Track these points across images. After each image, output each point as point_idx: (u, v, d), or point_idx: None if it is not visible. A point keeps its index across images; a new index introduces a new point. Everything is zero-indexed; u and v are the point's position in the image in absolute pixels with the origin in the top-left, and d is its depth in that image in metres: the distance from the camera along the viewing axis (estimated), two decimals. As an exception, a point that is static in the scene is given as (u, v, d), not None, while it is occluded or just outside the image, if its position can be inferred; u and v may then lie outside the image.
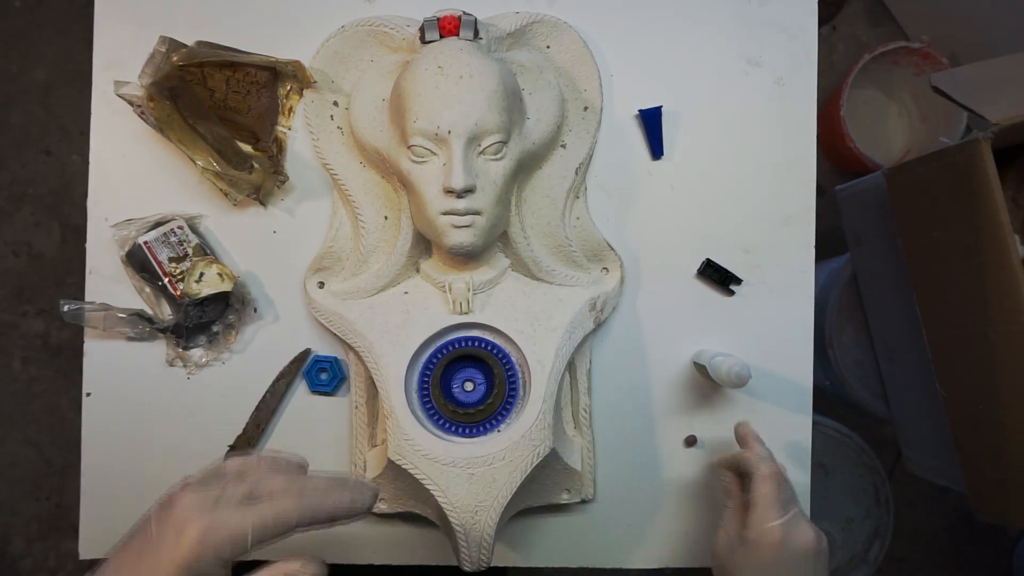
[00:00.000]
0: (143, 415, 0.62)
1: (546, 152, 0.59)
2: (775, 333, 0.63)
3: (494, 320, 0.57)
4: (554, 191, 0.60)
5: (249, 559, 0.39)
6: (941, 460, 0.96)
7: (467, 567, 0.52)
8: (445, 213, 0.52)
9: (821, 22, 0.71)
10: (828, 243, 0.77)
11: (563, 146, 0.60)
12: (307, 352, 0.62)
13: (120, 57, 0.62)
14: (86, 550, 0.62)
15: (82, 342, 0.62)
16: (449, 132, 0.51)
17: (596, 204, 0.63)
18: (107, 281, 0.62)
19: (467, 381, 0.58)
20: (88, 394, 0.62)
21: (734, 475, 0.55)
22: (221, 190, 0.61)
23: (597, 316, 0.60)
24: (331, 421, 0.62)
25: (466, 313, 0.57)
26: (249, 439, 0.62)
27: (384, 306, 0.58)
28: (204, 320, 0.60)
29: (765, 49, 0.64)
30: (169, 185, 0.62)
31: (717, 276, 0.63)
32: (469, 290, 0.57)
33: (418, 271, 0.59)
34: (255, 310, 0.62)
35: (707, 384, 0.63)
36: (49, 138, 1.37)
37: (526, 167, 0.58)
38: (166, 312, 0.61)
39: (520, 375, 0.57)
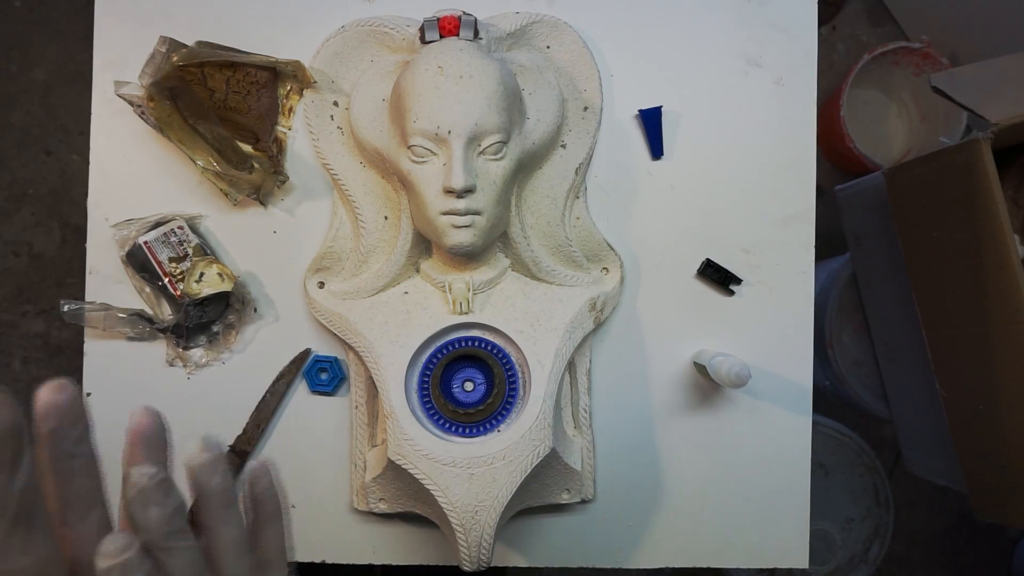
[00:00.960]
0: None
1: (546, 152, 0.59)
2: (775, 333, 0.63)
3: (494, 320, 0.57)
4: (554, 191, 0.60)
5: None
6: (941, 460, 0.96)
7: (467, 567, 0.52)
8: (445, 213, 0.52)
9: (821, 22, 0.70)
10: (828, 243, 0.77)
11: (563, 146, 0.60)
12: (307, 352, 0.62)
13: (120, 57, 0.62)
14: (86, 550, 0.62)
15: (82, 342, 0.62)
16: (449, 132, 0.51)
17: (596, 204, 0.63)
18: (107, 281, 0.62)
19: (467, 381, 0.58)
20: (88, 394, 0.62)
21: None
22: (221, 190, 0.61)
23: (597, 316, 0.60)
24: (331, 421, 0.62)
25: (466, 313, 0.57)
26: (249, 439, 0.62)
27: (384, 306, 0.58)
28: (204, 320, 0.60)
29: (765, 49, 0.64)
30: (169, 185, 0.62)
31: (717, 276, 0.63)
32: (469, 290, 0.57)
33: (418, 271, 0.59)
34: (255, 310, 0.62)
35: (707, 384, 0.63)
36: (49, 138, 1.37)
37: (526, 167, 0.58)
38: (166, 312, 0.61)
39: (520, 375, 0.57)
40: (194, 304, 0.59)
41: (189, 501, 0.30)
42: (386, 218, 0.59)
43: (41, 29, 1.38)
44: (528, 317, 0.57)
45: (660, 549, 0.63)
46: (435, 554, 0.63)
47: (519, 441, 0.54)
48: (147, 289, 0.61)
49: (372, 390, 0.60)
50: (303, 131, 0.62)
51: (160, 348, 0.62)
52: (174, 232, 0.60)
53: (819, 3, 0.64)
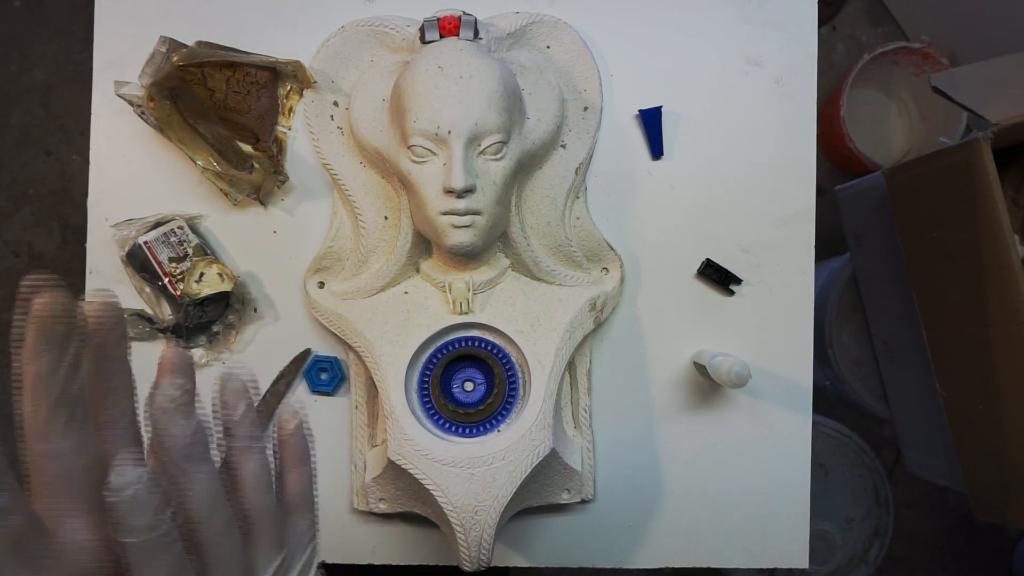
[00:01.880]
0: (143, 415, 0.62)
1: (546, 152, 0.59)
2: (775, 333, 0.63)
3: (494, 320, 0.57)
4: (554, 191, 0.60)
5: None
6: (941, 460, 0.96)
7: (467, 567, 0.52)
8: (445, 213, 0.52)
9: (821, 22, 0.70)
10: (828, 243, 0.77)
11: (563, 146, 0.60)
12: (307, 352, 0.62)
13: (120, 57, 0.62)
14: (86, 550, 0.62)
15: (82, 342, 0.62)
16: (449, 132, 0.51)
17: (596, 204, 0.63)
18: (107, 281, 0.62)
19: (467, 381, 0.58)
20: (88, 394, 0.62)
21: None
22: (221, 190, 0.61)
23: (597, 316, 0.60)
24: (331, 421, 0.62)
25: (466, 313, 0.57)
26: (249, 439, 0.61)
27: (384, 306, 0.58)
28: (204, 320, 0.60)
29: (765, 49, 0.64)
30: (169, 185, 0.62)
31: (717, 276, 0.63)
32: (469, 290, 0.57)
33: (418, 271, 0.59)
34: (255, 310, 0.62)
35: (707, 384, 0.63)
36: (49, 138, 1.37)
37: (526, 167, 0.58)
38: (166, 312, 0.61)
39: (520, 375, 0.57)
40: (194, 304, 0.59)
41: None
42: (386, 218, 0.59)
43: (41, 29, 1.38)
44: (528, 317, 0.57)
45: (660, 549, 0.63)
46: (435, 554, 0.63)
47: (519, 441, 0.54)
48: (147, 289, 0.61)
49: (372, 390, 0.60)
50: (303, 131, 0.62)
51: (160, 348, 0.62)
52: (174, 232, 0.60)
53: (819, 3, 0.64)
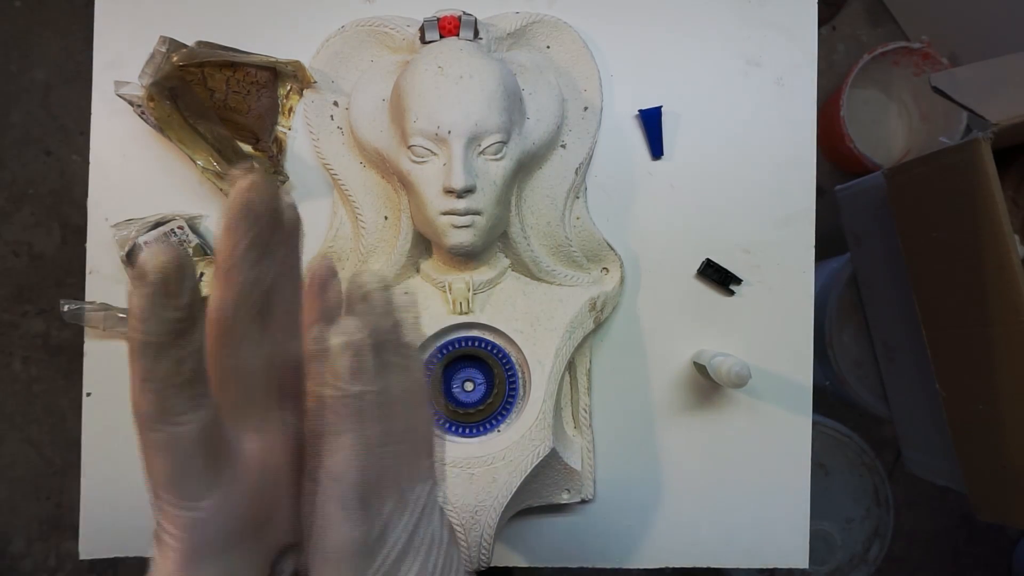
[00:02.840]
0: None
1: (546, 152, 0.59)
2: (775, 333, 0.63)
3: (494, 320, 0.57)
4: (554, 191, 0.60)
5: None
6: (941, 460, 0.96)
7: (467, 567, 0.52)
8: (445, 213, 0.52)
9: (821, 22, 0.70)
10: (828, 243, 0.77)
11: (563, 146, 0.60)
12: (307, 352, 0.62)
13: (120, 57, 0.62)
14: (86, 550, 0.62)
15: (82, 342, 0.62)
16: (449, 132, 0.51)
17: (596, 204, 0.63)
18: (107, 281, 0.62)
19: (467, 381, 0.58)
20: (88, 394, 0.62)
21: None
22: (221, 190, 0.61)
23: (597, 316, 0.60)
24: (331, 421, 0.62)
25: (466, 313, 0.57)
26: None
27: (384, 306, 0.58)
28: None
29: (765, 49, 0.64)
30: (169, 185, 0.62)
31: (717, 276, 0.63)
32: (469, 290, 0.57)
33: (418, 271, 0.59)
34: (255, 310, 0.62)
35: (707, 384, 0.63)
36: (49, 138, 1.37)
37: (526, 167, 0.58)
38: (166, 312, 0.61)
39: (520, 375, 0.57)
40: (194, 304, 0.59)
41: None
42: (386, 218, 0.59)
43: (41, 29, 1.38)
44: (528, 317, 0.57)
45: (660, 549, 0.63)
46: (435, 554, 0.63)
47: (519, 441, 0.54)
48: (147, 289, 0.61)
49: (372, 390, 0.60)
50: (303, 131, 0.62)
51: (160, 348, 0.62)
52: (174, 232, 0.60)
53: (819, 3, 0.64)
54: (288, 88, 0.62)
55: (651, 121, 0.63)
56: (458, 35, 0.55)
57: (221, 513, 0.24)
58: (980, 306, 0.74)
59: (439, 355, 0.57)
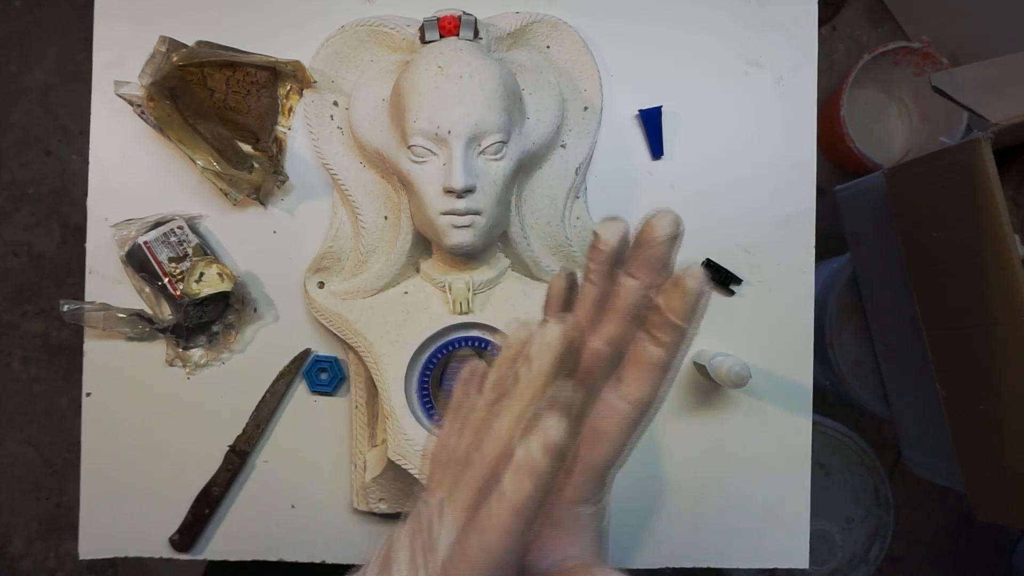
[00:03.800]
0: (143, 415, 0.62)
1: (546, 152, 0.59)
2: (775, 333, 0.63)
3: (494, 320, 0.57)
4: (554, 191, 0.60)
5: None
6: (941, 460, 0.96)
7: None
8: (445, 213, 0.52)
9: (821, 22, 0.70)
10: (828, 243, 0.77)
11: (563, 146, 0.60)
12: (307, 352, 0.62)
13: (120, 57, 0.62)
14: (86, 550, 0.62)
15: (82, 342, 0.62)
16: (449, 132, 0.50)
17: (596, 204, 0.63)
18: (107, 281, 0.62)
19: (467, 381, 0.58)
20: (88, 394, 0.62)
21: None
22: (221, 190, 0.61)
23: (597, 316, 0.60)
24: (331, 421, 0.62)
25: (466, 313, 0.57)
26: (249, 439, 0.62)
27: (384, 306, 0.58)
28: (204, 320, 0.60)
29: (765, 49, 0.64)
30: (169, 185, 0.62)
31: (717, 276, 0.63)
32: (469, 290, 0.57)
33: (418, 271, 0.59)
34: (255, 310, 0.62)
35: (707, 384, 0.63)
36: (49, 138, 1.37)
37: (526, 167, 0.58)
38: (166, 312, 0.61)
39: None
40: (194, 304, 0.59)
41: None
42: (386, 218, 0.59)
43: (41, 29, 1.38)
44: (528, 317, 0.57)
45: (660, 549, 0.63)
46: (435, 554, 0.63)
47: (519, 441, 0.53)
48: (147, 289, 0.61)
49: (372, 390, 0.60)
50: (303, 131, 0.62)
51: (160, 348, 0.62)
52: (174, 232, 0.60)
53: (819, 3, 0.64)
54: (288, 88, 0.62)
55: (651, 121, 0.63)
56: (458, 35, 0.55)
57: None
58: (980, 306, 0.74)
59: (439, 355, 0.57)
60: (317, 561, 0.62)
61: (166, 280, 0.60)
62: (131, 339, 0.62)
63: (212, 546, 0.62)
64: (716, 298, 0.63)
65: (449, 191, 0.51)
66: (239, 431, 0.62)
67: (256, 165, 0.60)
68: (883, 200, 0.89)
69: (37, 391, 1.37)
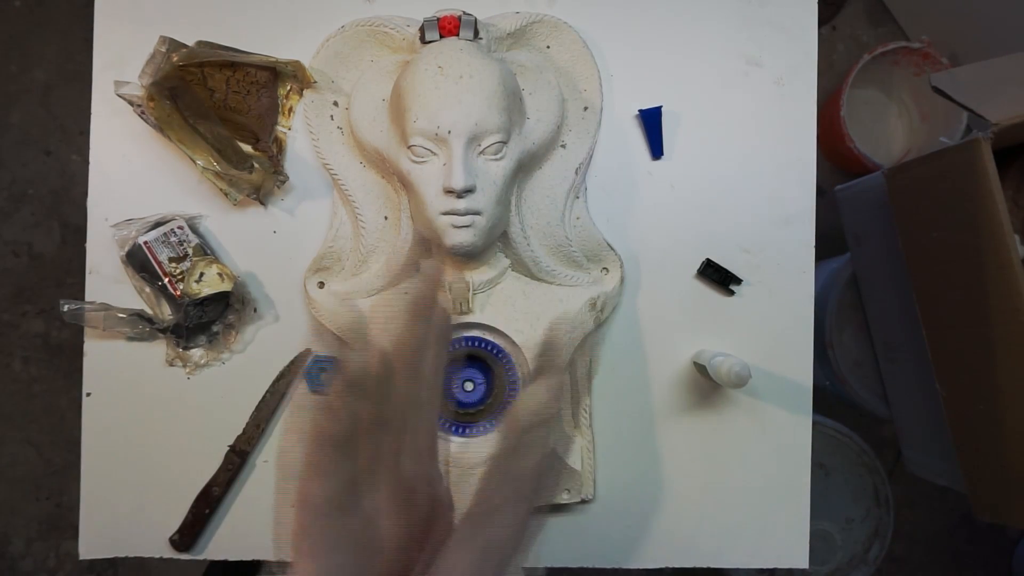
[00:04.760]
0: (143, 415, 0.62)
1: (546, 152, 0.59)
2: (775, 333, 0.63)
3: (494, 320, 0.57)
4: (554, 191, 0.60)
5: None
6: (941, 460, 0.96)
7: None
8: (445, 213, 0.52)
9: (821, 22, 0.70)
10: (828, 243, 0.77)
11: (563, 146, 0.60)
12: (307, 352, 0.62)
13: (120, 57, 0.62)
14: (86, 550, 0.62)
15: (82, 342, 0.62)
16: (449, 132, 0.51)
17: (596, 204, 0.63)
18: (107, 281, 0.62)
19: (467, 381, 0.58)
20: (88, 394, 0.62)
21: None
22: (221, 190, 0.61)
23: (597, 316, 0.60)
24: (331, 421, 0.62)
25: (466, 313, 0.57)
26: (249, 439, 0.62)
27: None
28: (204, 320, 0.60)
29: (765, 49, 0.64)
30: (169, 185, 0.62)
31: (717, 276, 0.63)
32: (469, 290, 0.57)
33: (418, 271, 0.59)
34: (255, 310, 0.62)
35: (707, 384, 0.63)
36: (49, 138, 1.37)
37: (526, 167, 0.58)
38: (166, 312, 0.61)
39: (520, 375, 0.57)
40: (194, 304, 0.59)
41: None
42: (386, 218, 0.59)
43: (41, 29, 1.38)
44: (528, 317, 0.57)
45: (660, 549, 0.63)
46: (435, 554, 0.63)
47: (519, 441, 0.53)
48: (147, 289, 0.61)
49: (372, 390, 0.60)
50: (303, 131, 0.62)
51: (160, 348, 0.62)
52: (174, 232, 0.60)
53: (819, 3, 0.64)
54: (288, 88, 0.62)
55: (651, 121, 0.63)
56: (458, 35, 0.55)
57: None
58: (980, 306, 0.74)
59: (439, 355, 0.57)
60: (317, 561, 0.62)
61: (166, 280, 0.60)
62: (131, 339, 0.62)
63: (212, 546, 0.62)
64: (716, 298, 0.63)
65: (449, 191, 0.51)
66: (239, 431, 0.62)
67: (256, 165, 0.60)
68: (883, 200, 0.89)
69: (37, 391, 1.37)
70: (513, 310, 0.57)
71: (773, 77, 0.64)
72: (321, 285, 0.60)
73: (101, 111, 0.63)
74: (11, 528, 1.36)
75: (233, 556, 0.62)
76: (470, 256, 0.55)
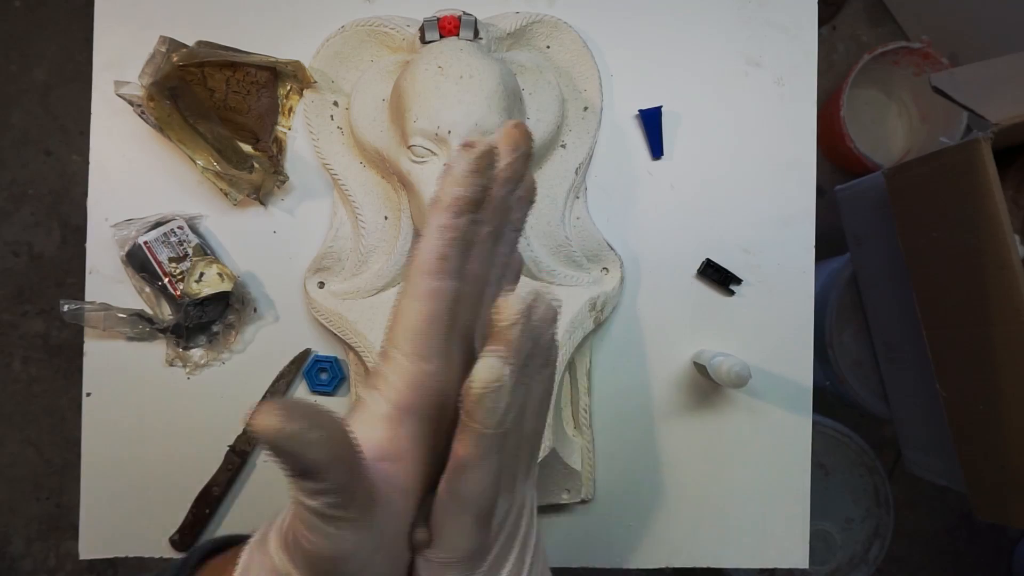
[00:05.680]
0: (143, 415, 0.62)
1: (546, 152, 0.59)
2: (775, 333, 0.63)
3: (494, 320, 0.57)
4: (554, 191, 0.60)
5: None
6: (941, 460, 0.96)
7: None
8: (445, 213, 0.52)
9: (821, 22, 0.70)
10: (828, 243, 0.77)
11: (563, 146, 0.60)
12: (307, 352, 0.62)
13: (120, 57, 0.62)
14: (86, 550, 0.62)
15: (82, 342, 0.62)
16: (449, 132, 0.51)
17: (596, 204, 0.63)
18: (107, 281, 0.62)
19: (467, 381, 0.58)
20: (88, 394, 0.62)
21: None
22: (221, 190, 0.61)
23: (597, 316, 0.60)
24: (331, 421, 0.62)
25: (466, 313, 0.57)
26: (249, 439, 0.61)
27: (384, 306, 0.58)
28: (204, 320, 0.60)
29: (765, 49, 0.64)
30: (169, 185, 0.62)
31: (717, 276, 0.63)
32: (469, 290, 0.57)
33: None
34: (255, 310, 0.62)
35: (707, 384, 0.63)
36: (49, 138, 1.37)
37: (526, 167, 0.58)
38: (166, 312, 0.61)
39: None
40: (194, 304, 0.59)
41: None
42: (386, 218, 0.59)
43: (41, 29, 1.38)
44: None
45: (660, 549, 0.63)
46: (435, 554, 0.63)
47: (519, 441, 0.53)
48: (147, 289, 0.61)
49: (372, 390, 0.60)
50: (303, 131, 0.62)
51: (160, 348, 0.62)
52: (174, 232, 0.60)
53: (819, 3, 0.64)
54: (288, 88, 0.62)
55: (651, 121, 0.63)
56: (458, 35, 0.55)
57: (435, 380, 0.27)
58: (980, 306, 0.74)
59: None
60: (317, 561, 0.62)
61: (166, 280, 0.60)
62: (131, 339, 0.62)
63: (212, 546, 0.62)
64: (716, 298, 0.63)
65: (449, 191, 0.51)
66: (239, 431, 0.62)
67: (256, 165, 0.60)
68: (883, 200, 0.89)
69: (37, 391, 1.37)
70: (513, 310, 0.57)
71: (773, 77, 0.64)
72: (321, 285, 0.60)
73: (101, 111, 0.63)
74: (11, 528, 1.36)
75: (233, 556, 0.62)
76: (470, 256, 0.55)
